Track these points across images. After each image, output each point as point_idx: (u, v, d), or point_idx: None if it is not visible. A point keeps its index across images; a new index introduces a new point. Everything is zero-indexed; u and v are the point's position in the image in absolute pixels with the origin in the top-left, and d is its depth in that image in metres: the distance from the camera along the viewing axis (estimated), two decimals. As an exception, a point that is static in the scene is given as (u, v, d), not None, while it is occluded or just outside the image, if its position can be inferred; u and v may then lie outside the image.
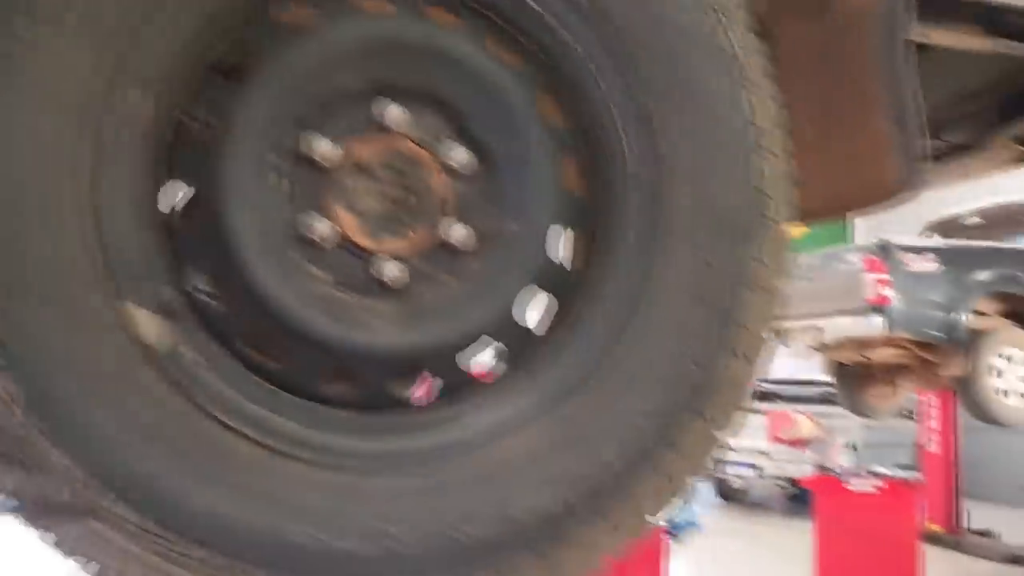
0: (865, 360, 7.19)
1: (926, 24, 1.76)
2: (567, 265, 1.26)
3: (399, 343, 1.16)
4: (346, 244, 1.16)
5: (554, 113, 1.25)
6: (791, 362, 8.16)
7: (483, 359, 1.23)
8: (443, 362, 1.19)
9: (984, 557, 8.54)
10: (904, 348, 6.76)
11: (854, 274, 6.65)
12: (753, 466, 10.47)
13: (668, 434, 1.18)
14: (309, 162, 1.15)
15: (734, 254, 1.22)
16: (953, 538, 9.14)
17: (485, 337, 1.21)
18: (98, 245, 1.02)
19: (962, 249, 6.84)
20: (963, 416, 8.18)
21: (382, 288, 1.17)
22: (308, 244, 1.15)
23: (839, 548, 6.52)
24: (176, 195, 1.18)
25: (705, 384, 1.20)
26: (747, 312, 1.22)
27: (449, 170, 1.20)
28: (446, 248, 1.20)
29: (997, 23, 1.82)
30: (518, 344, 1.22)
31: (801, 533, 7.09)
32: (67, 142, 1.00)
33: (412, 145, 1.19)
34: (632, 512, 1.19)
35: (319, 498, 1.07)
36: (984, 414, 6.65)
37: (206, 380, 1.07)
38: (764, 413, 10.46)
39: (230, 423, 1.06)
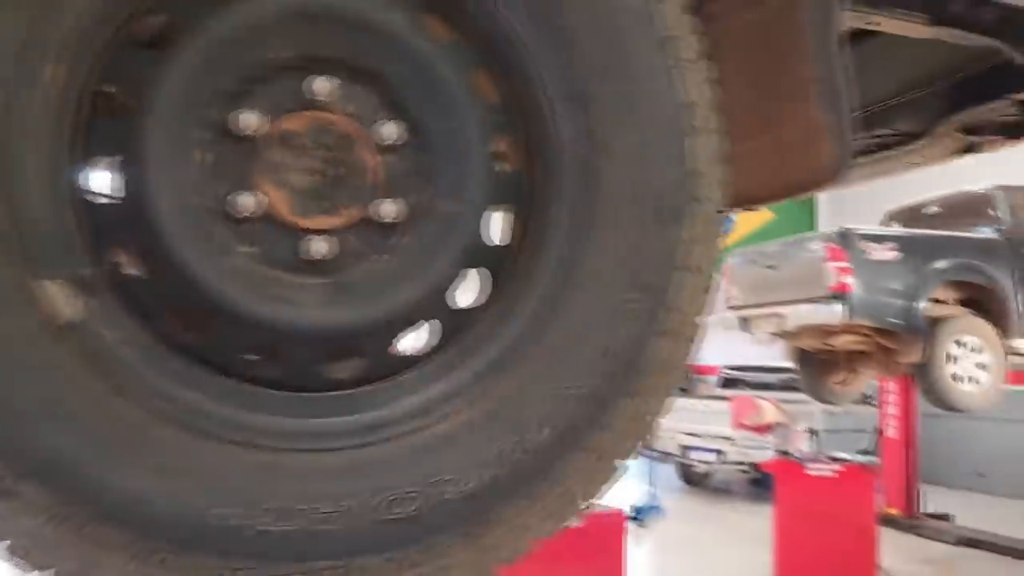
0: (826, 347, 7.30)
1: (871, 11, 1.77)
2: (500, 244, 1.25)
3: (326, 320, 1.14)
4: (274, 220, 1.14)
5: (488, 90, 1.24)
6: (755, 349, 8.25)
7: (414, 337, 1.22)
8: (373, 340, 1.18)
9: (940, 540, 8.74)
10: (864, 335, 6.87)
11: (816, 262, 6.72)
12: (717, 451, 10.60)
13: (599, 415, 1.18)
14: (237, 137, 1.13)
15: (666, 235, 1.21)
16: (910, 522, 9.34)
17: (416, 315, 1.20)
18: (11, 220, 0.99)
19: (921, 238, 6.95)
20: (921, 402, 8.34)
21: (310, 265, 1.15)
22: (235, 220, 1.13)
23: (798, 531, 6.64)
24: (99, 170, 1.15)
25: (636, 365, 1.20)
26: (679, 293, 1.22)
27: (380, 146, 1.18)
28: (377, 225, 1.18)
29: (941, 12, 1.84)
30: (449, 323, 1.21)
31: (763, 517, 7.20)
32: None
33: (343, 120, 1.17)
34: (563, 494, 1.19)
35: (241, 478, 1.06)
36: (940, 400, 6.78)
37: (124, 358, 1.04)
38: (728, 399, 10.60)
39: (148, 402, 1.04)
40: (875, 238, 6.73)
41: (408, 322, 1.20)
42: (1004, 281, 6.89)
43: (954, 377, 6.70)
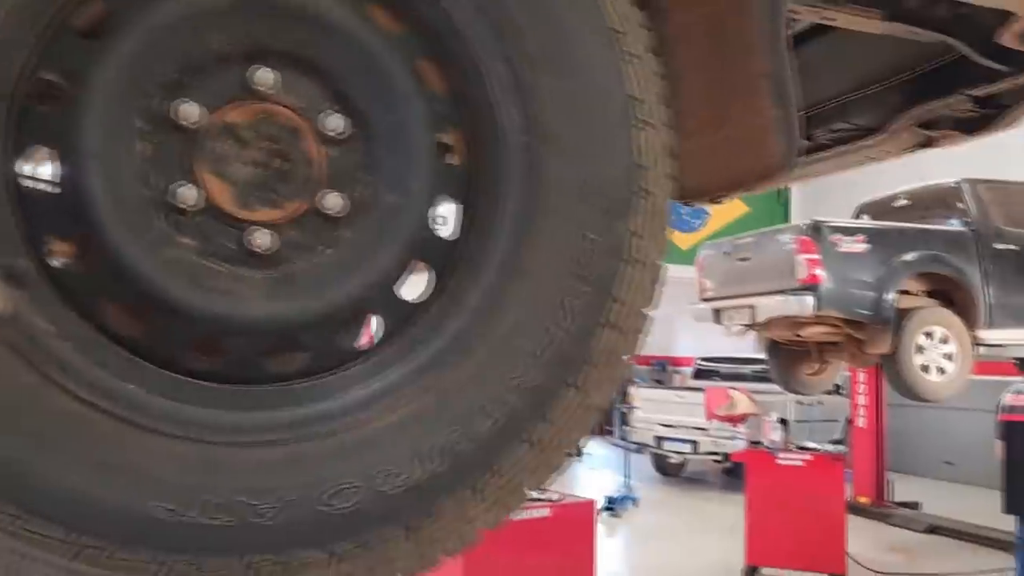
0: (797, 338, 7.37)
1: (826, 5, 1.78)
2: (445, 236, 1.25)
3: (268, 313, 1.14)
4: (216, 212, 1.13)
5: (435, 81, 1.23)
6: (729, 340, 8.31)
7: (358, 330, 1.21)
8: (316, 333, 1.17)
9: (908, 528, 8.90)
10: (834, 326, 6.95)
11: (787, 254, 6.79)
12: (690, 442, 10.70)
13: (542, 407, 1.19)
14: (178, 128, 1.11)
15: (612, 227, 1.22)
16: (880, 510, 9.51)
17: (360, 308, 1.19)
18: None
19: (890, 230, 7.04)
20: (890, 392, 8.46)
21: (253, 257, 1.14)
22: (176, 212, 1.12)
23: (769, 519, 6.73)
24: (36, 159, 1.13)
25: (580, 357, 1.21)
26: (624, 286, 1.23)
27: (324, 138, 1.17)
28: (320, 217, 1.17)
29: (895, 7, 1.85)
30: (393, 316, 1.21)
31: (736, 506, 7.28)
32: None
33: (286, 112, 1.16)
34: (506, 485, 1.19)
35: (180, 471, 1.05)
36: (908, 390, 6.89)
37: (58, 351, 1.03)
38: (702, 390, 10.69)
39: (84, 396, 1.02)
40: (845, 230, 6.81)
41: (352, 315, 1.19)
42: (971, 273, 7.01)
43: (922, 368, 6.80)
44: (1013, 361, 7.75)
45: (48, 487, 1.00)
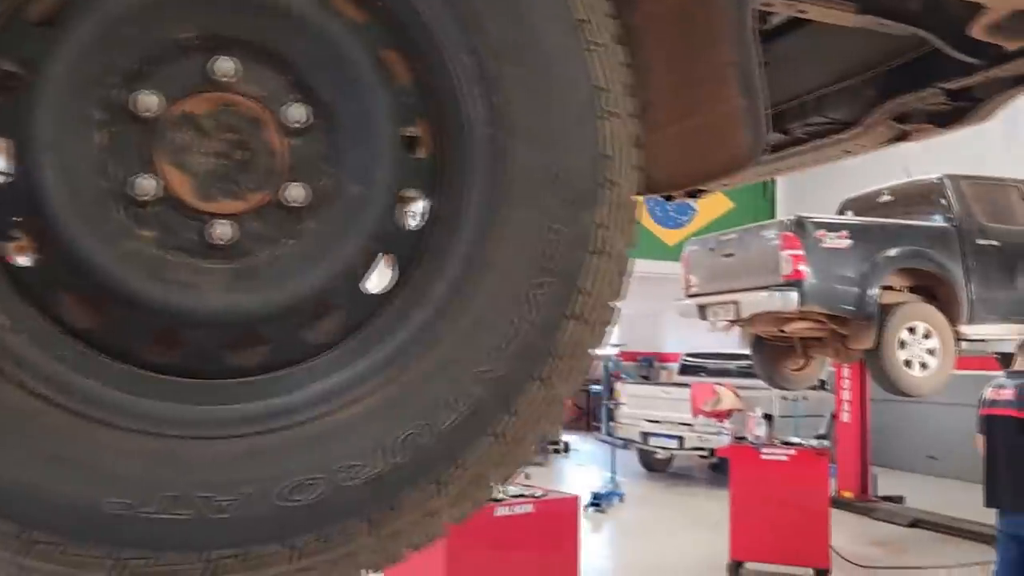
0: (781, 334, 7.40)
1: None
2: (411, 228, 1.24)
3: (228, 306, 1.12)
4: (176, 203, 1.11)
5: (399, 71, 1.22)
6: (716, 336, 8.33)
7: (322, 321, 1.20)
8: (278, 326, 1.16)
9: (892, 522, 8.95)
10: (818, 322, 6.98)
11: (771, 250, 6.80)
12: (676, 437, 10.72)
13: (507, 400, 1.18)
14: (137, 118, 1.10)
15: (577, 218, 1.21)
16: (864, 504, 9.55)
17: (324, 300, 1.18)
18: None
19: (873, 226, 7.06)
20: (874, 387, 8.50)
21: (214, 249, 1.13)
22: (135, 203, 1.10)
23: (753, 514, 6.75)
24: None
25: (546, 349, 1.20)
26: (590, 277, 1.22)
27: (287, 128, 1.16)
28: (283, 209, 1.16)
29: (868, 0, 1.85)
30: (357, 308, 1.20)
31: (721, 501, 7.31)
32: None
33: (247, 102, 1.14)
34: (472, 479, 1.18)
35: (138, 466, 1.03)
36: (891, 385, 6.92)
37: (13, 345, 1.01)
38: (687, 386, 10.72)
39: (39, 390, 1.01)
40: (829, 226, 6.83)
41: (315, 308, 1.18)
42: (954, 268, 7.05)
43: (905, 363, 6.83)
44: (995, 356, 7.80)
45: (3, 481, 0.98)
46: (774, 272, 6.74)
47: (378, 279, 1.22)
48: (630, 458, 12.10)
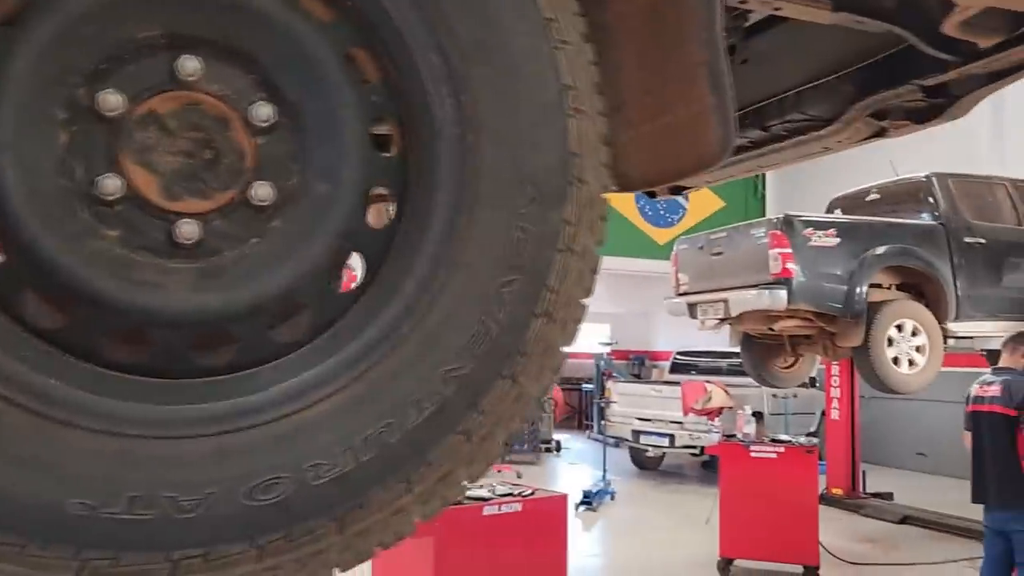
0: (770, 331, 7.42)
1: None
2: (379, 226, 1.23)
3: (193, 305, 1.12)
4: (141, 203, 1.11)
5: (368, 70, 1.22)
6: (708, 335, 8.34)
7: (289, 320, 1.19)
8: (244, 325, 1.15)
9: (882, 519, 8.99)
10: (806, 320, 7.00)
11: (759, 248, 6.82)
12: (667, 436, 10.74)
13: (475, 398, 1.18)
14: (102, 118, 1.09)
15: (546, 217, 1.21)
16: (853, 501, 9.59)
17: (291, 299, 1.18)
18: None
19: (861, 224, 7.08)
20: (863, 385, 8.53)
21: (180, 249, 1.12)
22: (99, 203, 1.10)
23: (742, 511, 6.77)
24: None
25: (515, 348, 1.20)
26: (559, 275, 1.22)
27: (254, 127, 1.15)
28: (250, 208, 1.15)
29: None
30: (325, 306, 1.19)
31: (712, 499, 7.32)
32: None
33: (213, 101, 1.14)
34: (441, 477, 1.18)
35: (103, 466, 1.03)
36: (880, 383, 6.94)
37: None
38: (678, 384, 10.74)
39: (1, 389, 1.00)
40: (817, 224, 6.85)
41: (283, 307, 1.17)
42: (941, 266, 7.07)
43: (893, 360, 6.86)
44: (982, 353, 7.84)
45: None
46: (763, 270, 6.76)
47: (346, 278, 1.21)
48: (622, 456, 12.12)
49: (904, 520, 8.84)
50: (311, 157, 1.18)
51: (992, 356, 7.27)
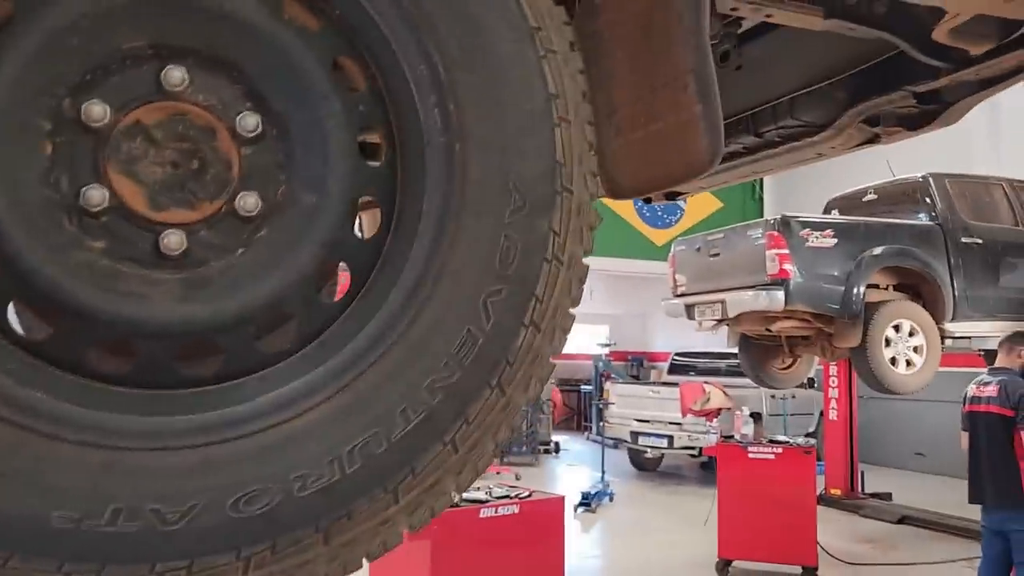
0: (767, 332, 7.42)
1: (765, 4, 1.79)
2: (366, 236, 1.24)
3: (179, 316, 1.12)
4: (127, 213, 1.11)
5: (355, 79, 1.22)
6: (706, 335, 8.34)
7: (276, 330, 1.19)
8: (230, 336, 1.15)
9: (880, 519, 8.98)
10: (804, 320, 7.00)
11: (757, 249, 6.82)
12: (665, 437, 10.73)
13: (462, 408, 1.18)
14: (87, 128, 1.09)
15: (532, 226, 1.21)
16: (852, 501, 9.59)
17: (277, 310, 1.18)
18: None
19: (858, 225, 7.08)
20: (861, 385, 8.53)
21: (166, 260, 1.12)
22: (85, 214, 1.10)
23: (741, 512, 6.77)
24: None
25: (502, 357, 1.20)
26: (546, 285, 1.22)
27: (240, 137, 1.15)
28: (236, 218, 1.15)
29: (835, 5, 1.86)
30: (311, 317, 1.19)
31: (711, 500, 7.31)
32: None
33: (199, 111, 1.14)
34: (428, 486, 1.18)
35: (87, 478, 1.03)
36: (877, 383, 6.93)
37: None
38: (676, 385, 10.73)
39: (-15, 402, 1.00)
40: (814, 225, 6.85)
41: (269, 317, 1.17)
42: (938, 266, 7.07)
43: (891, 360, 6.86)
44: (980, 353, 7.84)
45: None
46: (760, 271, 6.76)
47: (334, 288, 1.21)
48: (620, 458, 12.12)
49: (902, 520, 8.84)
50: (298, 167, 1.18)
51: (990, 356, 7.28)
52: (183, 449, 1.07)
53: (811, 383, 10.67)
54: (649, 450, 11.29)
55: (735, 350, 8.40)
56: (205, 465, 1.07)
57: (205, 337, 1.14)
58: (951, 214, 7.27)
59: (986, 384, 5.29)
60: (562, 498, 5.21)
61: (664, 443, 10.81)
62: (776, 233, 6.74)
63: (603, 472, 10.10)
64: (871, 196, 7.89)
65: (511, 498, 4.82)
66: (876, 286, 6.95)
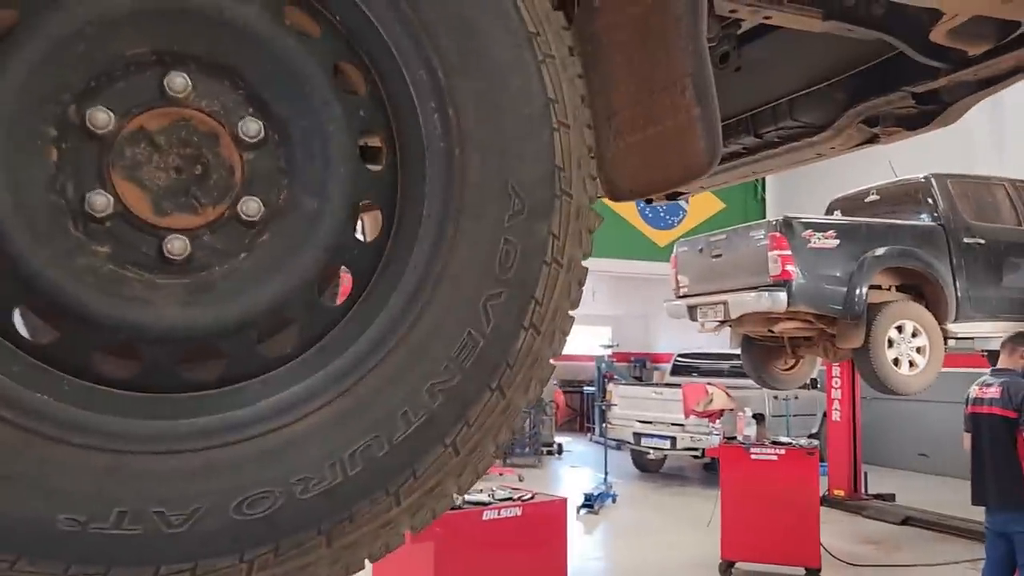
0: (770, 333, 7.42)
1: (764, 6, 1.80)
2: (367, 240, 1.24)
3: (182, 320, 1.13)
4: (131, 219, 1.12)
5: (354, 85, 1.23)
6: (709, 336, 8.33)
7: (278, 334, 1.20)
8: (233, 340, 1.16)
9: (884, 520, 8.97)
10: (806, 321, 7.00)
11: (759, 250, 6.82)
12: (668, 438, 10.73)
13: (463, 410, 1.19)
14: (91, 135, 1.10)
15: (532, 230, 1.22)
16: (855, 502, 9.57)
17: (279, 314, 1.19)
18: None
19: (860, 226, 7.08)
20: (865, 386, 8.52)
21: (168, 264, 1.13)
22: (90, 219, 1.11)
23: (743, 513, 6.76)
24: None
25: (502, 360, 1.21)
26: (545, 288, 1.23)
27: (242, 143, 1.16)
28: (238, 223, 1.16)
29: (834, 6, 1.87)
30: (313, 321, 1.20)
31: (713, 501, 7.31)
32: None
33: (202, 117, 1.15)
34: (429, 488, 1.19)
35: (92, 481, 1.04)
36: (880, 384, 6.93)
37: None
38: (679, 386, 10.73)
39: (-10, 406, 1.01)
40: (816, 226, 6.85)
41: (272, 321, 1.18)
42: (941, 267, 7.06)
43: (894, 361, 6.85)
44: (983, 353, 7.83)
45: None
46: (762, 272, 6.76)
47: (335, 292, 1.22)
48: (623, 459, 12.12)
49: (906, 521, 8.82)
50: (299, 171, 1.19)
51: (993, 357, 7.27)
52: (186, 453, 1.08)
53: (814, 384, 10.66)
54: (652, 451, 11.28)
55: (738, 351, 8.39)
56: (208, 468, 1.08)
57: (208, 341, 1.15)
58: (953, 214, 7.27)
59: (988, 385, 5.28)
60: (564, 500, 5.21)
61: (667, 444, 10.80)
62: (778, 234, 6.73)
63: (606, 473, 10.10)
64: (873, 197, 7.89)
65: (514, 500, 4.83)
66: (878, 287, 6.95)
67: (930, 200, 7.38)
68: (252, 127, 1.16)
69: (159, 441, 1.08)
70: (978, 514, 5.58)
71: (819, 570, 6.66)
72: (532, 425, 12.69)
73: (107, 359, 1.12)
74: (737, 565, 6.84)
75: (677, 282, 7.87)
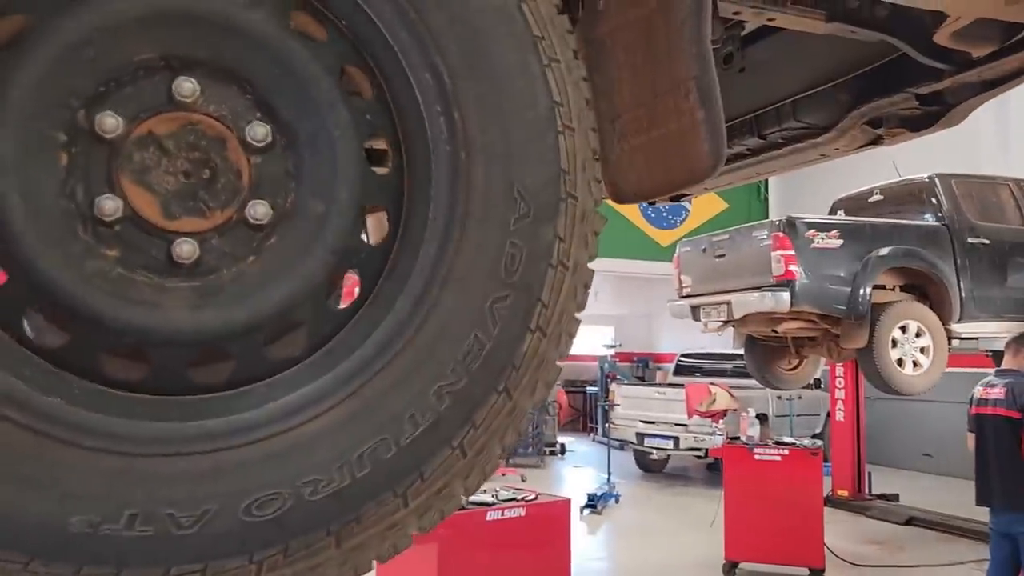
0: (773, 333, 7.41)
1: (767, 8, 1.80)
2: (374, 244, 1.25)
3: (191, 323, 1.14)
4: (140, 223, 1.13)
5: (362, 88, 1.24)
6: (712, 336, 8.33)
7: (286, 337, 1.21)
8: (241, 343, 1.17)
9: (888, 520, 8.96)
10: (810, 321, 6.99)
11: (762, 250, 6.82)
12: (671, 438, 10.72)
13: (470, 412, 1.19)
14: (100, 139, 1.11)
15: (537, 233, 1.23)
16: (859, 503, 9.57)
17: (287, 317, 1.20)
18: None
19: (864, 226, 7.08)
20: (868, 386, 8.52)
21: (177, 268, 1.14)
22: (100, 223, 1.12)
23: (747, 513, 6.76)
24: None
25: (508, 362, 1.21)
26: (551, 290, 1.24)
27: (249, 147, 1.17)
28: (246, 227, 1.17)
29: (837, 8, 1.88)
30: (320, 323, 1.21)
31: (717, 501, 7.31)
32: None
33: (210, 121, 1.16)
34: (436, 490, 1.20)
35: (103, 483, 1.05)
36: (884, 384, 6.92)
37: None
38: (682, 386, 10.73)
39: (3, 409, 1.02)
40: (820, 226, 6.85)
41: (280, 324, 1.19)
42: (945, 267, 7.05)
43: (898, 361, 6.85)
44: (987, 353, 7.82)
45: None
46: (766, 273, 6.75)
47: (342, 295, 1.23)
48: (626, 459, 12.12)
49: (910, 521, 8.81)
50: (306, 175, 1.20)
51: (998, 357, 7.26)
52: (195, 455, 1.09)
53: (817, 384, 10.65)
54: (655, 451, 11.28)
55: (741, 351, 8.39)
56: (217, 470, 1.09)
57: (216, 344, 1.16)
58: (957, 214, 7.26)
59: (992, 386, 5.28)
60: (568, 501, 5.22)
61: (670, 444, 10.80)
62: (782, 234, 6.73)
63: (609, 474, 10.11)
64: (877, 197, 7.88)
65: (517, 501, 4.83)
66: (882, 287, 6.94)
67: (934, 200, 7.37)
68: (260, 131, 1.17)
69: (168, 443, 1.09)
70: (982, 514, 5.57)
71: (823, 570, 6.65)
72: (535, 425, 12.69)
73: (117, 362, 1.13)
74: (741, 565, 6.84)
75: (680, 282, 7.87)
